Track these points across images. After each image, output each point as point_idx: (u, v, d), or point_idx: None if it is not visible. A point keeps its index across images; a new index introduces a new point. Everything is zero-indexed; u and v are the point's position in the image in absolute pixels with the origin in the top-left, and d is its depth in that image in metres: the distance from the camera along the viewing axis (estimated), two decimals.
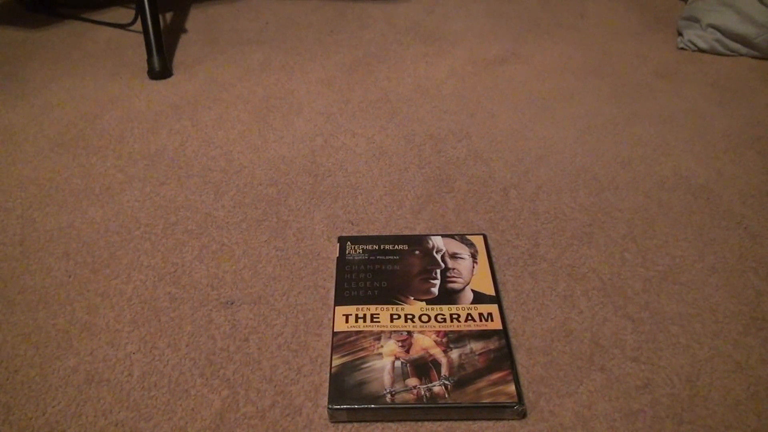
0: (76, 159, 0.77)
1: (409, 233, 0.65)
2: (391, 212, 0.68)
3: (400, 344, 0.51)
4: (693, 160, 0.76)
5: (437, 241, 0.62)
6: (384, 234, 0.65)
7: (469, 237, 0.62)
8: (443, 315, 0.54)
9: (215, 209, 0.68)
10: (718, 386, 0.50)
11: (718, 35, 0.97)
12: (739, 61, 0.97)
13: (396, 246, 0.61)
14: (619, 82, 0.92)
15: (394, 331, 0.53)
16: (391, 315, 0.54)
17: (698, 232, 0.65)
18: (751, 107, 0.86)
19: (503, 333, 0.52)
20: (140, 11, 0.97)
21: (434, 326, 0.53)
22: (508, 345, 0.51)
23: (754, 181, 0.72)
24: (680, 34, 1.03)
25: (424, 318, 0.54)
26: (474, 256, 0.60)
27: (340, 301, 0.56)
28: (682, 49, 1.01)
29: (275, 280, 0.60)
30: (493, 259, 0.61)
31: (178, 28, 1.09)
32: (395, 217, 0.67)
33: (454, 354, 0.50)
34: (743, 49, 0.97)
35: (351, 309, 0.55)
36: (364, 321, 0.54)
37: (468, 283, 0.57)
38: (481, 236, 0.62)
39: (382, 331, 0.53)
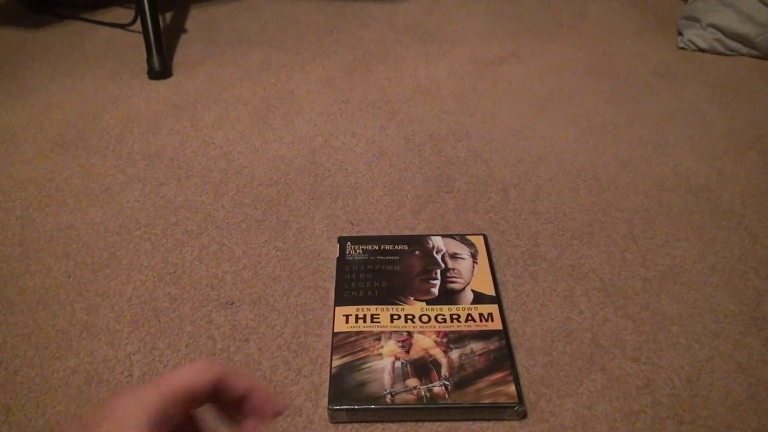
0: (76, 159, 0.77)
1: (409, 233, 0.65)
2: (391, 212, 0.68)
3: (400, 345, 0.51)
4: (693, 160, 0.76)
5: (437, 242, 0.61)
6: (384, 234, 0.65)
7: (469, 237, 0.62)
8: (443, 315, 0.54)
9: (215, 209, 0.68)
10: (719, 386, 0.50)
11: (719, 35, 0.97)
12: (739, 60, 0.97)
13: (396, 246, 0.61)
14: (619, 82, 0.92)
15: (394, 331, 0.52)
16: (392, 315, 0.54)
17: (698, 232, 0.65)
18: (751, 107, 0.86)
19: (503, 333, 0.52)
20: (140, 11, 0.97)
21: (434, 326, 0.53)
22: (509, 345, 0.51)
23: (755, 181, 0.72)
24: (680, 33, 1.02)
25: (425, 318, 0.54)
26: (474, 256, 0.60)
27: (340, 301, 0.55)
28: (682, 48, 1.01)
29: (275, 280, 0.60)
30: (494, 260, 0.61)
31: (178, 28, 1.09)
32: (395, 217, 0.67)
33: (455, 354, 0.50)
34: (743, 49, 0.97)
35: (351, 309, 0.54)
36: (365, 321, 0.53)
37: (468, 284, 0.57)
38: (481, 236, 0.62)
39: (382, 332, 0.52)
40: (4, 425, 0.48)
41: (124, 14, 1.13)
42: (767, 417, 0.48)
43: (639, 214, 0.67)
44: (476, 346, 0.51)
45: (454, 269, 0.58)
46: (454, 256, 0.60)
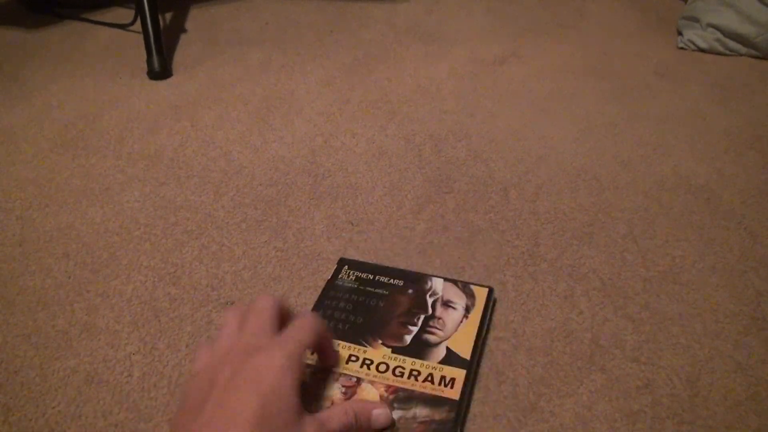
0: (75, 159, 0.77)
1: (410, 232, 0.65)
2: (391, 212, 0.68)
3: (343, 390, 0.47)
4: (693, 160, 0.76)
5: (437, 284, 0.56)
6: (385, 257, 0.61)
7: (473, 286, 0.56)
8: (402, 369, 0.49)
9: (215, 210, 0.68)
10: (719, 386, 0.50)
11: (718, 35, 0.97)
12: (739, 60, 0.97)
13: (391, 280, 0.57)
14: (619, 82, 0.92)
15: (344, 374, 0.48)
16: (350, 356, 0.50)
17: (698, 232, 0.65)
18: (751, 107, 0.86)
19: (456, 405, 0.46)
20: (140, 11, 0.97)
21: (387, 379, 0.48)
22: (457, 420, 0.45)
23: (755, 181, 0.72)
24: (680, 33, 1.02)
25: (382, 367, 0.49)
26: (467, 310, 0.54)
27: None
28: (682, 48, 1.01)
29: (275, 280, 0.60)
30: (491, 319, 0.55)
31: (178, 28, 1.09)
32: (395, 217, 0.67)
33: (395, 415, 0.46)
34: (743, 49, 0.97)
35: None
36: None
37: (446, 339, 0.51)
38: (487, 289, 0.56)
39: (332, 371, 0.49)
40: (3, 425, 0.48)
41: (124, 14, 1.13)
42: (767, 417, 0.48)
43: (639, 214, 0.67)
44: (421, 413, 0.46)
45: (439, 319, 0.53)
46: (446, 304, 0.54)
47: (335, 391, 0.47)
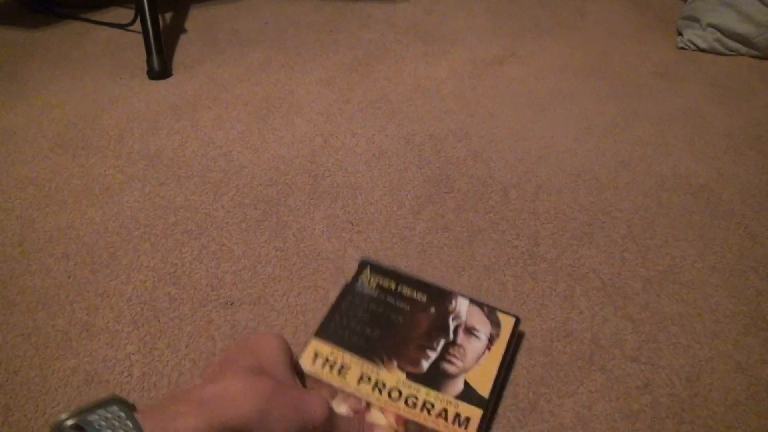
0: (75, 159, 0.77)
1: (410, 232, 0.65)
2: (391, 212, 0.68)
3: (351, 414, 0.45)
4: (693, 160, 0.76)
5: (461, 306, 0.52)
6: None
7: (499, 314, 0.52)
8: (416, 399, 0.46)
9: (215, 209, 0.68)
10: (718, 386, 0.50)
11: (718, 35, 0.97)
12: (738, 60, 0.97)
13: (414, 293, 0.53)
14: (619, 82, 0.92)
15: (354, 395, 0.46)
16: (362, 374, 0.47)
17: (698, 232, 0.65)
18: (751, 107, 0.86)
19: None
20: (140, 11, 0.97)
21: (399, 408, 0.45)
22: None
23: (754, 181, 0.72)
24: (680, 33, 1.02)
25: (395, 394, 0.46)
26: (491, 340, 0.50)
27: (322, 331, 0.49)
28: (681, 48, 1.01)
29: (275, 280, 0.60)
30: (515, 355, 0.53)
31: (177, 28, 1.09)
32: (395, 217, 0.67)
33: None
34: (743, 49, 0.97)
35: (326, 348, 0.48)
36: (330, 369, 0.47)
37: (466, 371, 0.48)
38: (513, 318, 0.52)
39: (341, 390, 0.46)
40: (3, 425, 0.48)
41: (124, 14, 1.13)
42: (767, 417, 0.48)
43: (639, 214, 0.67)
44: None
45: (460, 347, 0.49)
46: (469, 331, 0.51)
47: (343, 412, 0.45)
